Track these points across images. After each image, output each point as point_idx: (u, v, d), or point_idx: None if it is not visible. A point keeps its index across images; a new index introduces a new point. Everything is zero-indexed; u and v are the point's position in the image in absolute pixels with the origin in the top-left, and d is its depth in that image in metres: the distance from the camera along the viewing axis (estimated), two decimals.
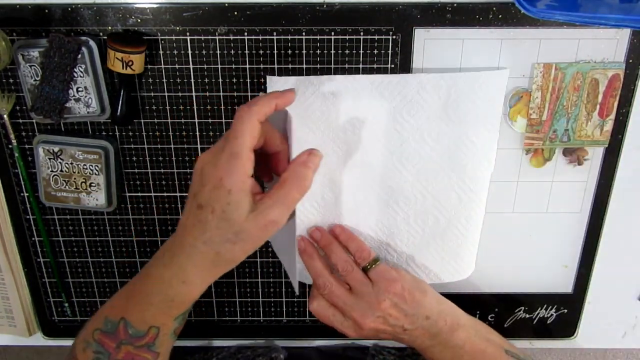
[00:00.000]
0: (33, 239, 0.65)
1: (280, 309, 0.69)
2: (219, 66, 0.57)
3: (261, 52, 0.56)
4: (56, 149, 0.58)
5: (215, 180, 0.45)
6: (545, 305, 0.69)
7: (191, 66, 0.57)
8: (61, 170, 0.59)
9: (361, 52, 0.56)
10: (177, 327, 0.52)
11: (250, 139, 0.45)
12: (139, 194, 0.63)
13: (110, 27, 0.55)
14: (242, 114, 0.45)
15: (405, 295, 0.55)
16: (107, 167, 0.59)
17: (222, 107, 0.59)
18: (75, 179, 0.59)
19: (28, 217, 0.64)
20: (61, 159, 0.59)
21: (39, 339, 0.71)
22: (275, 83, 0.56)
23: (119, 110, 0.57)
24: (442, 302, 0.58)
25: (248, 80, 0.58)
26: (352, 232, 0.59)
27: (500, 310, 0.69)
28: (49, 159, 0.58)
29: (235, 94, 0.58)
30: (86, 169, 0.59)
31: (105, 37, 0.55)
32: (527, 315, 0.69)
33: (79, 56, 0.54)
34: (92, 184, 0.59)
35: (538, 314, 0.69)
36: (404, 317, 0.54)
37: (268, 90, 0.56)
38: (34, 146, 0.59)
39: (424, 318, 0.55)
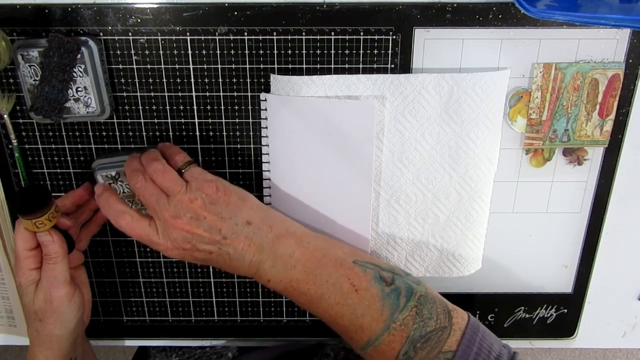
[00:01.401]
0: None
1: (280, 309, 0.69)
2: (219, 66, 0.57)
3: (261, 52, 0.56)
4: (113, 172, 0.58)
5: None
6: (545, 305, 0.69)
7: (191, 66, 0.57)
8: (123, 192, 0.59)
9: (361, 52, 0.56)
10: None
11: (20, 243, 0.54)
12: None
13: (110, 27, 0.55)
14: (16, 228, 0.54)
15: (220, 195, 0.51)
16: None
17: (222, 107, 0.59)
18: (138, 199, 0.54)
19: None
20: (120, 181, 0.58)
21: None
22: (278, 82, 0.56)
23: None
24: (266, 209, 0.54)
25: (248, 80, 0.58)
26: (168, 143, 0.57)
27: (500, 310, 0.69)
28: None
29: (235, 94, 0.58)
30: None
31: (106, 38, 0.55)
32: (527, 315, 0.69)
33: (79, 56, 0.54)
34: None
35: (538, 314, 0.69)
36: (220, 220, 0.50)
37: (272, 89, 0.56)
38: (93, 172, 0.59)
39: (244, 224, 0.51)
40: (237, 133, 0.60)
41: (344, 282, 0.51)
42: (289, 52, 0.56)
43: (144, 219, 0.52)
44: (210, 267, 0.66)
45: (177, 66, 0.57)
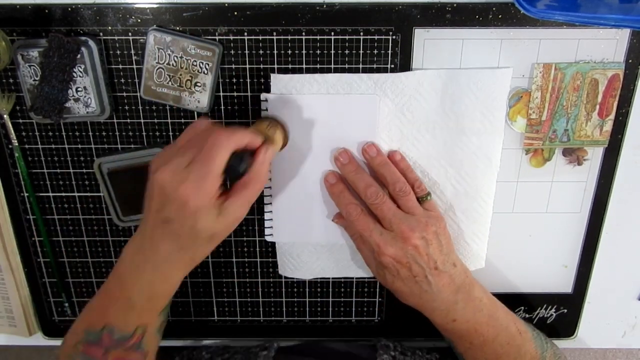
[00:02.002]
0: (33, 239, 0.65)
1: (280, 309, 0.69)
2: (219, 66, 0.57)
3: (261, 52, 0.56)
4: (169, 38, 0.54)
5: (180, 200, 0.46)
6: (545, 305, 0.69)
7: None
8: (168, 63, 0.55)
9: (361, 52, 0.56)
10: (162, 322, 0.53)
11: (220, 163, 0.47)
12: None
13: (110, 27, 0.55)
14: (221, 142, 0.47)
15: (446, 232, 0.56)
16: (216, 68, 0.56)
17: (222, 107, 0.59)
18: (181, 75, 0.55)
19: (28, 217, 0.64)
20: (171, 50, 0.55)
21: (39, 339, 0.71)
22: (279, 81, 0.56)
23: None
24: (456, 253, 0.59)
25: (248, 80, 0.58)
26: (408, 162, 0.59)
27: None
28: (159, 48, 0.54)
29: (235, 94, 0.58)
30: (195, 65, 0.55)
31: (106, 38, 0.55)
32: (527, 315, 0.69)
33: (79, 56, 0.54)
34: (198, 84, 0.56)
35: (538, 314, 0.69)
36: (440, 252, 0.54)
37: (272, 88, 0.57)
38: (146, 34, 0.55)
39: (452, 264, 0.55)
40: None
41: (511, 325, 0.59)
42: (289, 52, 0.56)
43: (370, 216, 0.55)
44: (210, 267, 0.66)
45: None
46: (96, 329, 0.51)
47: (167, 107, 0.59)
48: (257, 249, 0.66)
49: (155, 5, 0.54)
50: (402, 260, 0.53)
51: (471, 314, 0.56)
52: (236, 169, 0.48)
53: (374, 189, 0.55)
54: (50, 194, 0.63)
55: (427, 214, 0.56)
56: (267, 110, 0.58)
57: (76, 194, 0.63)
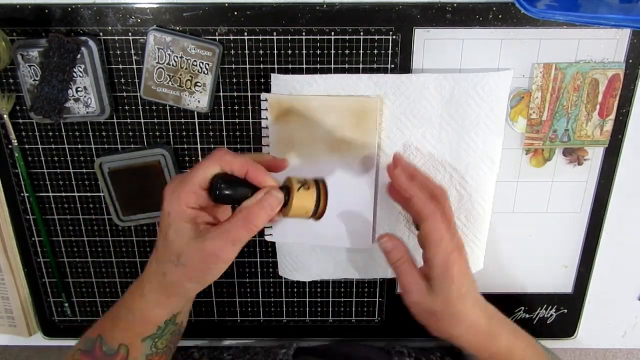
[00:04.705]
0: (33, 239, 0.65)
1: (280, 309, 0.69)
2: (219, 66, 0.57)
3: (261, 52, 0.56)
4: (168, 38, 0.54)
5: (163, 202, 0.46)
6: (545, 305, 0.69)
7: None
8: (168, 63, 0.55)
9: (361, 52, 0.56)
10: (150, 353, 0.51)
11: (204, 177, 0.45)
12: None
13: (110, 27, 0.55)
14: (217, 155, 0.46)
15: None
16: (216, 68, 0.56)
17: (222, 107, 0.59)
18: (181, 75, 0.55)
19: (28, 217, 0.64)
20: (171, 50, 0.55)
21: (39, 339, 0.71)
22: (279, 81, 0.56)
23: None
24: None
25: (248, 80, 0.58)
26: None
27: (500, 310, 0.69)
28: (159, 48, 0.54)
29: (235, 94, 0.58)
30: (195, 65, 0.55)
31: (106, 38, 0.55)
32: (527, 315, 0.69)
33: (79, 56, 0.54)
34: (198, 84, 0.55)
35: (538, 314, 0.69)
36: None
37: (273, 88, 0.56)
38: (146, 34, 0.54)
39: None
40: (237, 133, 0.60)
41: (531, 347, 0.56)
42: (289, 52, 0.56)
43: (418, 273, 0.51)
44: None
45: None
46: (93, 337, 0.51)
47: (167, 107, 0.59)
48: (257, 249, 0.66)
49: (155, 5, 0.54)
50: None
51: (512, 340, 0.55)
52: (218, 187, 0.45)
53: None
54: (50, 194, 0.63)
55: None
56: (266, 110, 0.58)
57: (76, 194, 0.63)
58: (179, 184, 0.46)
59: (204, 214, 0.47)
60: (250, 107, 0.59)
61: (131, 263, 0.66)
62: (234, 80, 0.58)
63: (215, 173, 0.46)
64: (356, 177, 0.59)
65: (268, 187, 0.46)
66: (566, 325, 0.70)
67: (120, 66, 0.57)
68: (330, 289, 0.68)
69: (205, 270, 0.46)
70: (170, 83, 0.56)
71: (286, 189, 0.47)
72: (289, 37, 0.56)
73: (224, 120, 0.59)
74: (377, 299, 0.68)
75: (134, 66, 0.57)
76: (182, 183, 0.46)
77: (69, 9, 0.54)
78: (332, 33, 0.55)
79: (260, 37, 0.56)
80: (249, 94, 0.58)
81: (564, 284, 0.68)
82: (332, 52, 0.56)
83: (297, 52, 0.56)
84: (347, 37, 0.55)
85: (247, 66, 0.57)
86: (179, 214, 0.45)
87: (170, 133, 0.60)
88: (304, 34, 0.55)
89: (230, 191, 0.45)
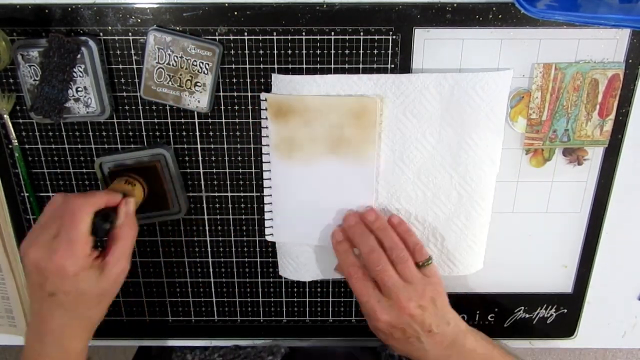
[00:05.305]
0: None
1: (280, 309, 0.69)
2: (219, 66, 0.57)
3: (261, 52, 0.56)
4: (169, 38, 0.54)
5: (57, 269, 0.48)
6: (545, 305, 0.69)
7: None
8: (168, 63, 0.55)
9: (361, 52, 0.56)
10: None
11: (85, 226, 0.49)
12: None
13: (110, 27, 0.55)
14: (79, 206, 0.49)
15: (444, 294, 0.56)
16: (216, 68, 0.56)
17: (222, 107, 0.59)
18: (181, 75, 0.55)
19: (28, 217, 0.64)
20: (171, 50, 0.55)
21: None
22: (280, 81, 0.56)
23: None
24: (449, 307, 0.58)
25: (248, 80, 0.58)
26: (408, 225, 0.59)
27: (500, 310, 0.69)
28: (159, 48, 0.54)
29: (235, 94, 0.58)
30: (195, 65, 0.55)
31: (106, 38, 0.55)
32: (527, 315, 0.69)
33: (79, 56, 0.54)
34: (198, 84, 0.56)
35: (538, 314, 0.69)
36: (435, 316, 0.54)
37: (273, 88, 0.57)
38: (146, 34, 0.55)
39: (446, 323, 0.55)
40: (237, 133, 0.60)
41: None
42: (289, 52, 0.56)
43: (369, 280, 0.55)
44: (211, 267, 0.66)
45: None
46: None
47: (167, 107, 0.59)
48: (257, 249, 0.66)
49: (155, 5, 0.54)
50: (396, 325, 0.54)
51: None
52: (102, 227, 0.50)
53: (376, 255, 0.55)
54: (50, 194, 0.63)
55: (425, 281, 0.55)
56: (266, 109, 0.58)
57: None
58: (69, 243, 0.48)
59: (92, 252, 0.50)
60: (250, 107, 0.59)
61: (131, 263, 0.66)
62: (234, 80, 0.58)
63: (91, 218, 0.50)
64: (356, 177, 0.59)
65: (122, 201, 0.53)
66: (566, 325, 0.70)
67: (120, 66, 0.57)
68: (330, 289, 0.68)
69: (119, 285, 0.53)
70: (170, 83, 0.56)
71: (122, 191, 0.55)
72: (289, 37, 0.56)
73: (224, 120, 0.59)
74: None
75: (134, 66, 0.57)
76: (73, 243, 0.48)
77: (69, 9, 0.54)
78: (332, 33, 0.55)
79: (260, 37, 0.56)
80: (249, 94, 0.58)
81: (564, 284, 0.68)
82: (332, 52, 0.56)
83: (297, 52, 0.56)
84: (347, 37, 0.55)
85: (247, 66, 0.57)
86: (85, 267, 0.49)
87: (170, 133, 0.60)
88: (304, 34, 0.55)
89: (108, 225, 0.52)
